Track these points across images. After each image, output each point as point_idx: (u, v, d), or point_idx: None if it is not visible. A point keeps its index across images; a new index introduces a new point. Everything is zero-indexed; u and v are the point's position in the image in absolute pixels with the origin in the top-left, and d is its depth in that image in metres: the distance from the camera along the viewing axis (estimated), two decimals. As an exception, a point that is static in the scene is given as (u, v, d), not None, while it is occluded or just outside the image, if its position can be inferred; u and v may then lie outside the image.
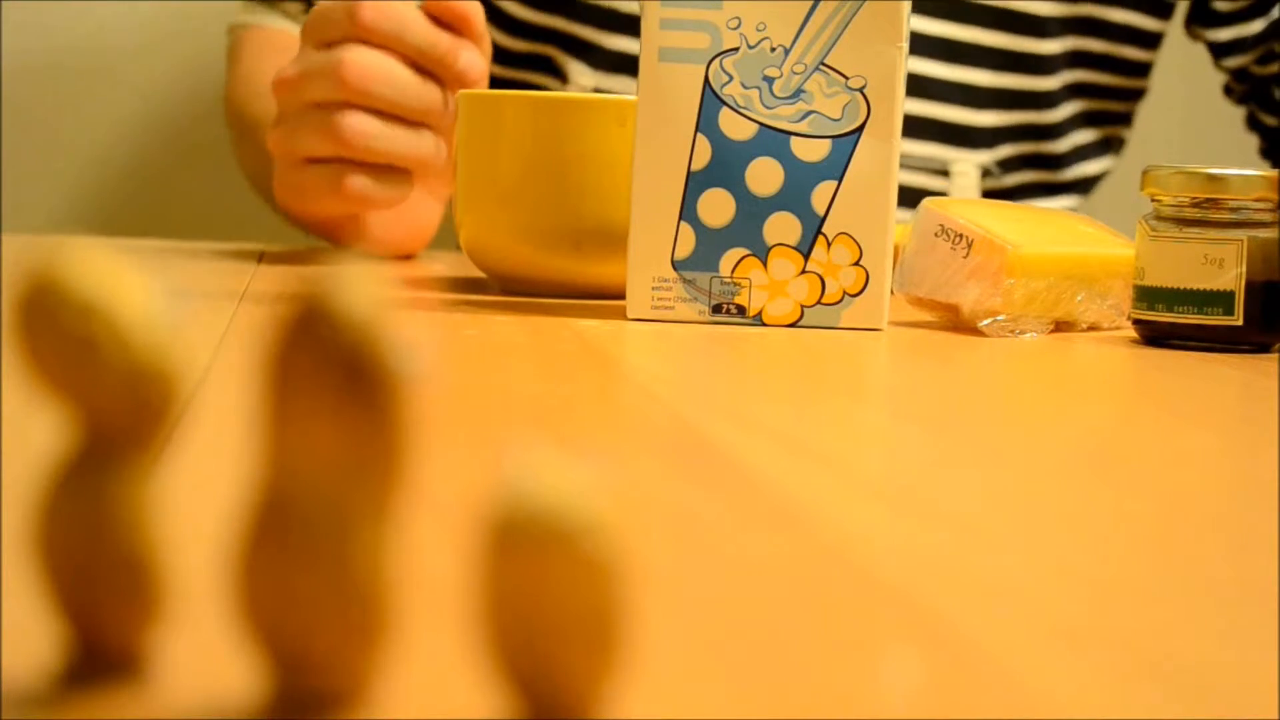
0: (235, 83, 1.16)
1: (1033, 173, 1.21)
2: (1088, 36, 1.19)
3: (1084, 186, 1.25)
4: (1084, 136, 1.23)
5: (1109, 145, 1.26)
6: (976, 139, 1.17)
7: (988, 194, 1.19)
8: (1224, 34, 1.23)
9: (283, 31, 1.17)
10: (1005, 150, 1.19)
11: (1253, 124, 1.26)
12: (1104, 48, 1.20)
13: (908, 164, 1.15)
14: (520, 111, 0.80)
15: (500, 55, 1.20)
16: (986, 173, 1.18)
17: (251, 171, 1.16)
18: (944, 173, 1.17)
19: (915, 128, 1.15)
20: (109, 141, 1.45)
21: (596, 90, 1.16)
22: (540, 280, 0.82)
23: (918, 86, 1.15)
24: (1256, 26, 1.21)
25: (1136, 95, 1.24)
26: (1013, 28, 1.17)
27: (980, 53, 1.17)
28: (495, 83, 1.20)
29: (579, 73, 1.16)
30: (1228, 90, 1.26)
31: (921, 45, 1.15)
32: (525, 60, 1.19)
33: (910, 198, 1.14)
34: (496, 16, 1.20)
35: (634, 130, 0.74)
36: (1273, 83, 1.23)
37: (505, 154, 0.81)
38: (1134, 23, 1.21)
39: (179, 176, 1.47)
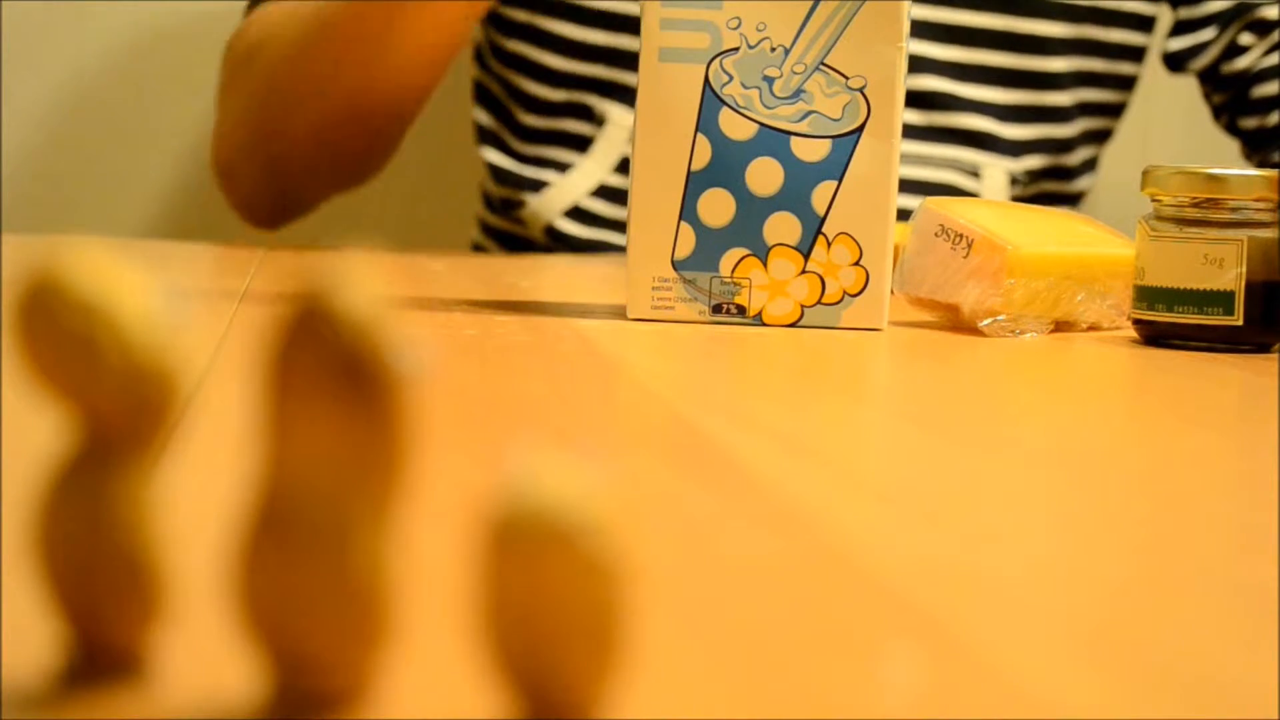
0: (256, 27, 1.14)
1: (1049, 183, 1.23)
2: (1090, 56, 1.21)
3: (1078, 200, 1.27)
4: (1088, 152, 1.25)
5: (1095, 163, 1.28)
6: (1004, 148, 1.19)
7: (1015, 200, 1.20)
8: (1181, 42, 1.24)
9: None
10: (1032, 161, 1.20)
11: (1232, 128, 1.27)
12: (1104, 67, 1.22)
13: (941, 164, 1.17)
14: None
15: (539, 106, 1.19)
16: (1014, 180, 1.19)
17: (258, 109, 1.15)
18: (975, 174, 1.18)
19: (944, 135, 1.17)
20: (109, 142, 1.45)
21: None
22: None
23: (940, 101, 1.17)
24: (1208, 34, 1.23)
25: (1122, 111, 1.26)
26: (1017, 48, 1.18)
27: (990, 73, 1.18)
28: (533, 133, 1.19)
29: (619, 114, 1.15)
30: (1215, 112, 1.27)
31: (935, 66, 1.17)
32: (563, 109, 1.18)
33: (943, 194, 1.16)
34: (533, 70, 1.19)
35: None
36: (1247, 82, 1.23)
37: None
38: (1127, 40, 1.23)
39: (179, 177, 1.47)
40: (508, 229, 1.23)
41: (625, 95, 1.15)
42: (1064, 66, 1.20)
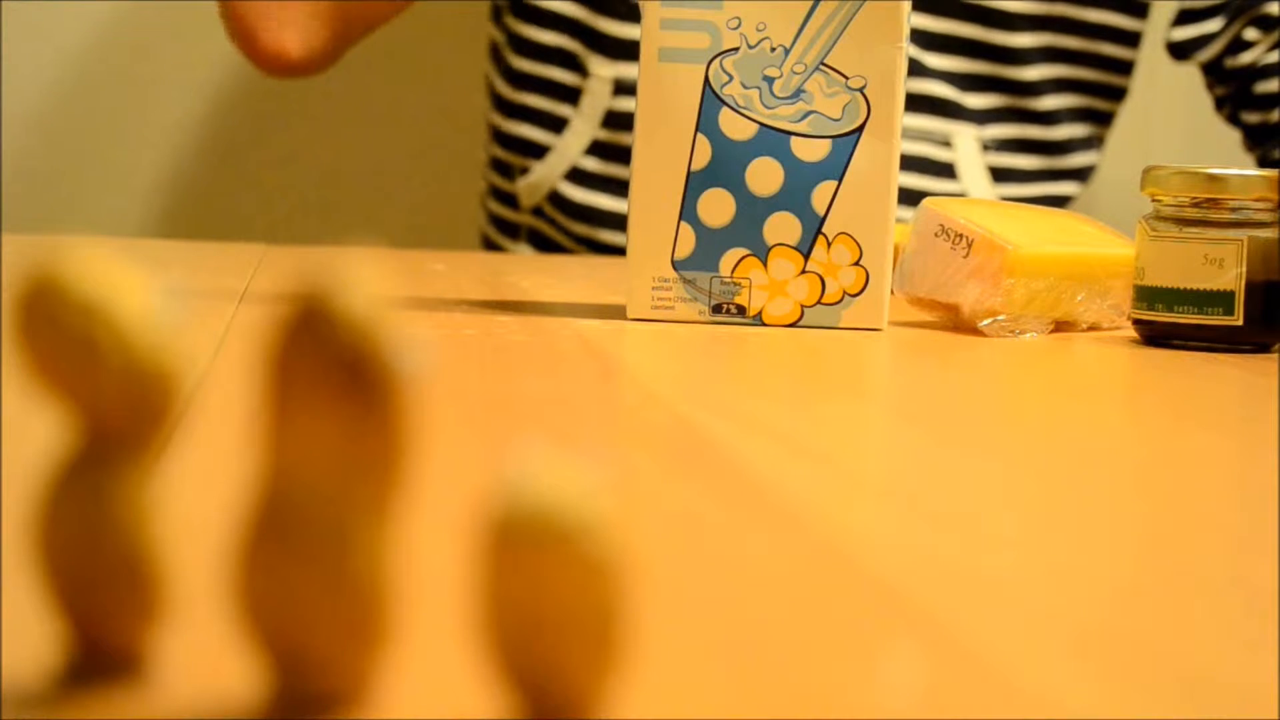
0: None
1: (1032, 157, 1.23)
2: (1064, 34, 1.22)
3: (1083, 175, 1.27)
4: (1079, 130, 1.25)
5: (1097, 141, 1.28)
6: (968, 116, 1.20)
7: (992, 170, 1.21)
8: (1186, 32, 1.25)
9: None
10: (996, 130, 1.22)
11: (1234, 120, 1.27)
12: (1081, 44, 1.23)
13: (913, 136, 1.18)
14: None
15: (527, 48, 1.21)
16: (985, 147, 1.21)
17: None
18: (947, 143, 1.19)
19: (913, 102, 1.18)
20: (108, 142, 1.45)
21: (616, 80, 1.17)
22: None
23: (910, 68, 1.18)
24: (1215, 25, 1.23)
25: (1120, 94, 1.27)
26: (983, 20, 1.20)
27: (954, 42, 1.20)
28: (521, 77, 1.21)
29: (598, 64, 1.18)
30: (1218, 104, 1.28)
31: None
32: (549, 54, 1.20)
33: (919, 166, 1.17)
34: (522, 9, 1.21)
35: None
36: (1251, 77, 1.24)
37: None
38: (1110, 22, 1.24)
39: (179, 177, 1.47)
40: (512, 219, 1.24)
41: (602, 45, 1.17)
42: (1031, 42, 1.22)
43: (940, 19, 1.20)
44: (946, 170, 1.20)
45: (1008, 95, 1.22)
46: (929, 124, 1.20)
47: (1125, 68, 1.26)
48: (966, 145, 1.20)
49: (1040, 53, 1.22)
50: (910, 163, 1.18)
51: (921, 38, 1.19)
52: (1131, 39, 1.25)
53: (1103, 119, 1.27)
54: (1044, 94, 1.23)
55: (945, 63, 1.20)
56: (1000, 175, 1.22)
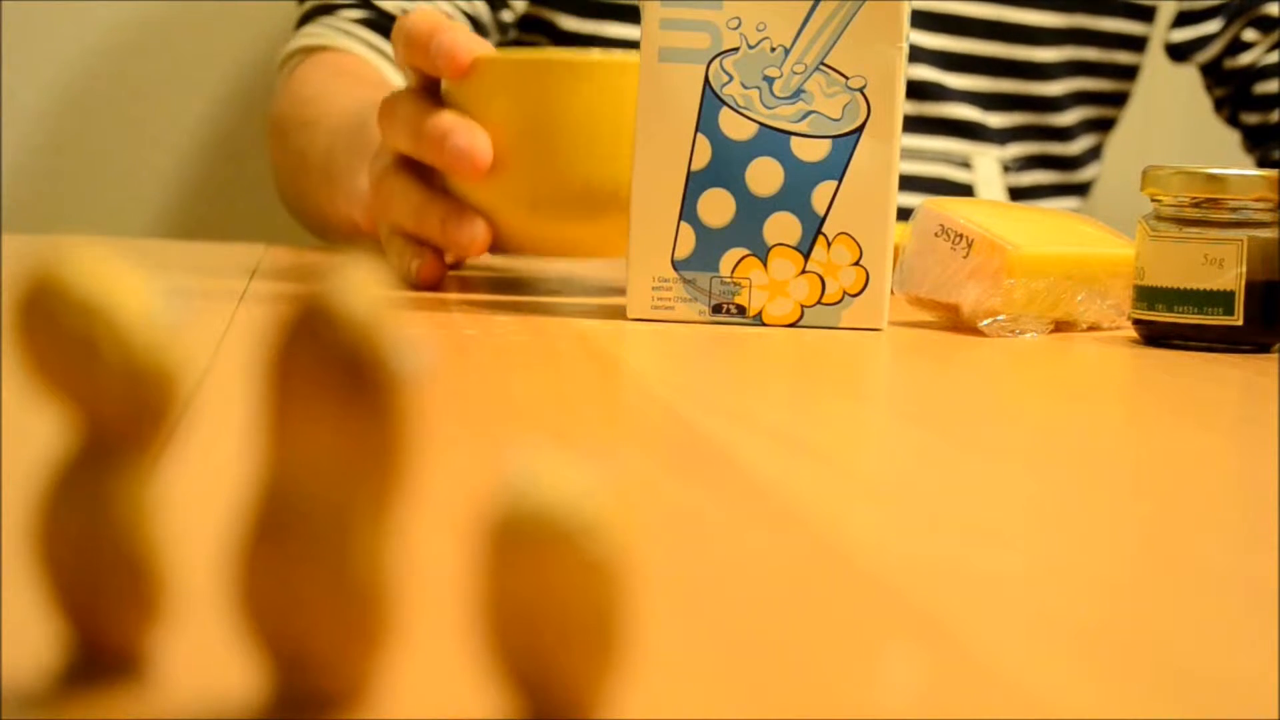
0: (288, 103, 1.14)
1: (1047, 173, 1.23)
2: (1083, 45, 1.22)
3: (1086, 189, 1.27)
4: (1090, 141, 1.26)
5: (1101, 151, 1.28)
6: (990, 136, 1.20)
7: (1009, 190, 1.21)
8: (1185, 34, 1.25)
9: (347, 54, 1.15)
10: (1016, 149, 1.21)
11: (1233, 121, 1.27)
12: (1098, 55, 1.23)
13: (931, 157, 1.17)
14: (505, 75, 0.80)
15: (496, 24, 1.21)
16: (1005, 168, 1.21)
17: (287, 190, 1.14)
18: (966, 165, 1.19)
19: (933, 126, 1.18)
20: (109, 142, 1.45)
21: (591, 37, 1.16)
22: (528, 241, 0.82)
23: (928, 91, 1.17)
24: (1214, 25, 1.23)
25: (1125, 100, 1.27)
26: (1007, 37, 1.19)
27: (978, 61, 1.19)
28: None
29: (569, 22, 1.17)
30: (1217, 105, 1.28)
31: (923, 55, 1.17)
32: (519, 23, 1.20)
33: (937, 187, 1.17)
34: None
35: (613, 91, 0.74)
36: (1250, 78, 1.24)
37: (493, 118, 0.80)
38: (1122, 29, 1.23)
39: (179, 177, 1.47)
40: None
41: (571, 4, 1.17)
42: (1055, 56, 1.21)
43: (962, 39, 1.19)
44: (965, 192, 1.19)
45: (1031, 113, 1.22)
46: (950, 145, 1.19)
47: (1133, 74, 1.26)
48: (987, 166, 1.20)
49: (1063, 67, 1.22)
50: (928, 184, 1.17)
51: (943, 59, 1.18)
52: (1140, 44, 1.25)
53: (1107, 127, 1.28)
54: (1065, 109, 1.23)
55: (969, 83, 1.19)
56: (1017, 194, 1.22)
